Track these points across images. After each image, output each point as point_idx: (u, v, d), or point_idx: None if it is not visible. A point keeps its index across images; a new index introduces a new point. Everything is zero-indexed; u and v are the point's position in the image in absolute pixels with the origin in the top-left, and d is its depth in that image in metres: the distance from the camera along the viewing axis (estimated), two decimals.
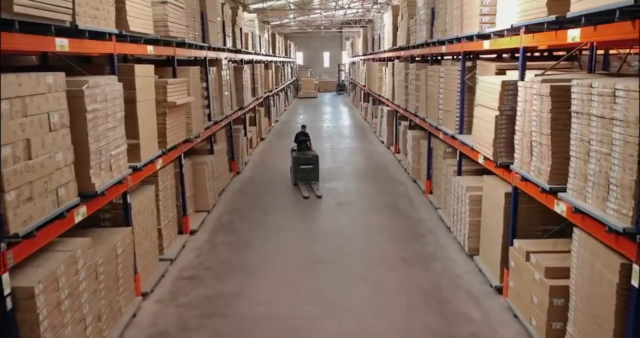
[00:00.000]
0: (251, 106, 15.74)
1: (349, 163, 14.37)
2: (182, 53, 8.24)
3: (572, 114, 4.30)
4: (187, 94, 7.89)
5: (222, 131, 11.92)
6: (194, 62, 9.99)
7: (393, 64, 14.64)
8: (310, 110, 29.42)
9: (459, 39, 7.80)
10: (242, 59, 14.59)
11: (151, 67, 6.45)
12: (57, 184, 4.20)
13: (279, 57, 27.05)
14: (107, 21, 5.23)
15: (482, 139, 6.43)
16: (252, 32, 16.99)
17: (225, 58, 11.94)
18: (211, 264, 7.30)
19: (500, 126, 5.86)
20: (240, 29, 14.25)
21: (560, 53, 8.44)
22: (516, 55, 8.68)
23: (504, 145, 5.91)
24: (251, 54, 16.42)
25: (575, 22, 4.32)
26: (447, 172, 8.71)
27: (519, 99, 5.42)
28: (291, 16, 32.59)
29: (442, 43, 8.94)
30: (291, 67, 36.57)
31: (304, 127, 12.85)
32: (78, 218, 4.61)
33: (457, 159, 8.09)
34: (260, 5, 24.69)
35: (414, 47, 11.65)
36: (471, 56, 8.92)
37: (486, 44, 6.59)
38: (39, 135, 3.90)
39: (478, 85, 6.58)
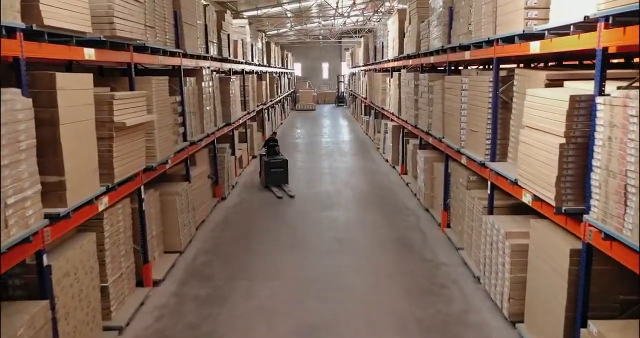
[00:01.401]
0: (241, 121, 14.13)
1: (350, 186, 12.71)
2: (144, 60, 6.62)
3: None
4: (148, 110, 6.26)
5: (203, 152, 10.29)
6: (170, 72, 8.37)
7: (399, 75, 13.05)
8: (308, 124, 27.84)
9: (490, 42, 6.20)
10: (230, 69, 13.00)
11: (88, 76, 4.81)
12: None
13: (275, 67, 25.52)
14: (4, 10, 3.61)
15: (534, 173, 4.79)
16: (242, 40, 15.43)
17: (209, 67, 10.35)
18: (173, 333, 5.61)
19: (566, 159, 4.21)
20: (228, 35, 12.68)
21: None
22: (565, 63, 7.13)
23: (571, 186, 4.26)
24: (241, 63, 14.84)
25: None
26: (473, 206, 7.05)
27: (598, 121, 3.78)
28: (288, 25, 31.15)
29: (465, 48, 7.34)
30: (288, 78, 35.06)
31: (274, 134, 14.56)
32: None
33: (488, 192, 6.43)
34: (254, 13, 23.19)
35: (425, 54, 10.06)
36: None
37: (534, 46, 4.98)
38: None
39: (526, 101, 4.95)
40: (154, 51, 6.86)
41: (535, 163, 4.75)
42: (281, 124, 27.47)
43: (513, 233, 5.48)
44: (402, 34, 12.91)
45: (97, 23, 5.10)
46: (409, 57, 11.79)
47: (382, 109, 16.48)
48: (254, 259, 7.74)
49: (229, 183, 11.94)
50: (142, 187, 6.42)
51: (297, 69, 44.63)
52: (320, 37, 40.16)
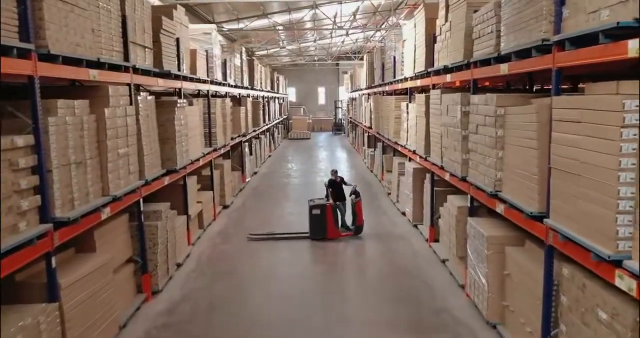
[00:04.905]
0: (202, 162, 10.03)
1: (356, 262, 8.51)
2: None
3: None
4: None
5: (117, 223, 6.15)
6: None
7: (426, 97, 8.99)
8: (302, 157, 23.68)
9: None
10: (181, 89, 8.94)
11: None
12: None
13: (261, 90, 21.54)
14: None
15: None
16: (208, 52, 11.44)
17: (128, 84, 6.33)
18: None
19: None
20: (177, 40, 8.65)
21: None
22: None
23: None
24: (205, 82, 10.81)
25: None
26: None
27: None
28: (280, 43, 27.37)
29: None
30: (280, 104, 31.16)
31: (334, 173, 10.55)
32: None
33: None
34: (235, 26, 19.31)
35: (486, 62, 6.03)
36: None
37: None
38: None
39: None
40: None
41: None
42: (269, 156, 23.39)
43: None
44: (430, 40, 8.92)
45: None
46: (446, 70, 7.77)
47: (396, 143, 12.39)
48: None
49: (170, 265, 7.71)
50: None
51: (290, 94, 40.80)
52: (316, 57, 36.46)
